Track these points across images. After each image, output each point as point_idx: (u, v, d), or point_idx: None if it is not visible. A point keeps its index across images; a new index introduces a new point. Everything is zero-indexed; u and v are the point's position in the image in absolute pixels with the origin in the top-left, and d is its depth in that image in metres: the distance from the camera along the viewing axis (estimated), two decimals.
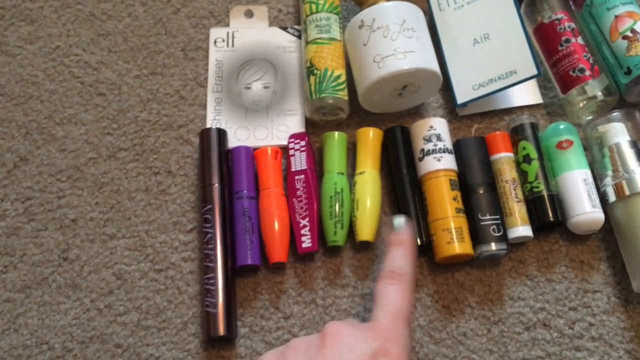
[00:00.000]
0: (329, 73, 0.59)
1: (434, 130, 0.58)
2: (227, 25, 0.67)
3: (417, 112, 0.63)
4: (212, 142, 0.59)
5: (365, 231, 0.56)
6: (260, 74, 0.65)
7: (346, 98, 0.60)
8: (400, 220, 0.51)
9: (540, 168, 0.57)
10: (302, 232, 0.56)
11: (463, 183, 0.57)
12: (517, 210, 0.56)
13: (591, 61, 0.60)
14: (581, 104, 0.61)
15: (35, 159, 0.61)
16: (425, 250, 0.56)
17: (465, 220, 0.55)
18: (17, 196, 0.60)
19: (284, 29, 0.67)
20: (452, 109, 0.63)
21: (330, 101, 0.59)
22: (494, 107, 0.63)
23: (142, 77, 0.65)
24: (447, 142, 0.58)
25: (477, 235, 0.55)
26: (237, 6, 0.68)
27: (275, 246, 0.56)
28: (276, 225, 0.56)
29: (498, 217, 0.55)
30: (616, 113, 0.59)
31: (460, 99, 0.61)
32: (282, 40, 0.66)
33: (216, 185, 0.57)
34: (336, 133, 0.59)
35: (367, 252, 0.57)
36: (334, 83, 0.59)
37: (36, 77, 0.65)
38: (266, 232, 0.56)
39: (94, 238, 0.58)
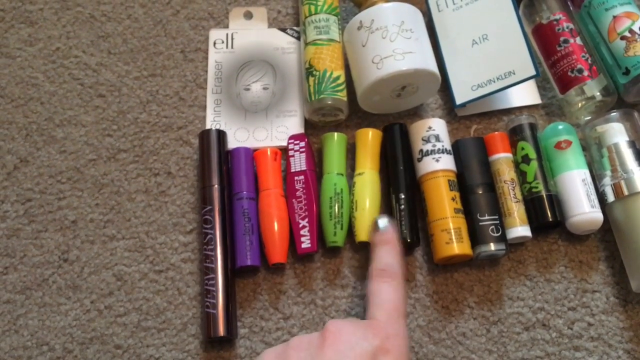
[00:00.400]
0: (328, 74, 0.60)
1: (433, 130, 0.58)
2: (227, 26, 0.68)
3: (416, 113, 0.64)
4: (211, 143, 0.59)
5: (365, 232, 0.56)
6: (260, 75, 0.65)
7: (345, 99, 0.60)
8: (384, 221, 0.52)
9: (539, 168, 0.57)
10: (302, 232, 0.56)
11: (462, 183, 0.57)
12: (516, 210, 0.56)
13: (589, 61, 0.61)
14: (580, 104, 0.61)
15: (36, 161, 0.61)
16: (412, 247, 0.57)
17: (464, 221, 0.56)
18: (18, 198, 0.60)
19: (283, 30, 0.67)
20: (451, 110, 0.64)
21: (330, 102, 0.59)
22: (493, 108, 0.63)
23: (141, 79, 0.65)
24: (446, 143, 0.58)
25: (475, 236, 0.55)
26: (236, 8, 0.68)
27: (274, 247, 0.56)
28: (276, 226, 0.56)
29: (497, 217, 0.55)
30: (614, 113, 0.59)
31: (459, 100, 0.61)
32: (281, 42, 0.66)
33: (216, 186, 0.57)
34: (335, 134, 0.59)
35: (367, 253, 0.57)
36: (333, 84, 0.59)
37: (36, 79, 0.65)
38: (266, 233, 0.56)
39: (94, 239, 0.58)
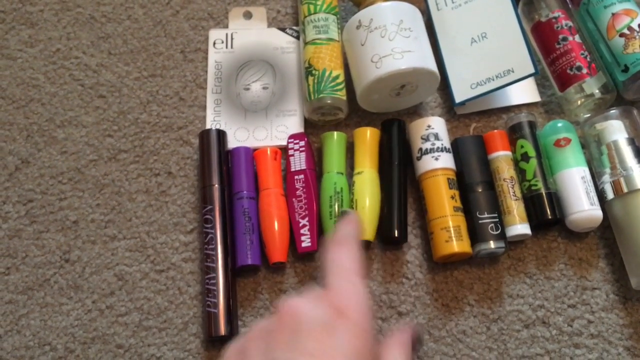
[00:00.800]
0: (327, 73, 0.60)
1: (432, 129, 0.58)
2: (226, 26, 0.68)
3: (416, 111, 0.64)
4: (211, 143, 0.59)
5: (365, 230, 0.56)
6: (259, 74, 0.65)
7: (344, 98, 0.60)
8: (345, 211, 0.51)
9: (538, 166, 0.57)
10: (302, 231, 0.56)
11: (461, 182, 0.57)
12: (515, 208, 0.56)
13: (588, 59, 0.61)
14: (579, 102, 0.61)
15: (37, 162, 0.62)
16: (399, 243, 0.58)
17: (464, 219, 0.56)
18: (19, 198, 0.60)
19: (283, 29, 0.67)
20: (450, 108, 0.64)
21: (329, 101, 0.59)
22: (492, 106, 0.63)
23: (142, 79, 0.65)
24: (445, 141, 0.58)
25: (475, 234, 0.55)
26: (235, 7, 0.68)
27: (275, 246, 0.56)
28: (276, 225, 0.56)
29: (496, 215, 0.56)
30: (614, 110, 0.59)
31: (458, 98, 0.62)
32: (281, 41, 0.66)
33: (216, 185, 0.57)
34: (335, 133, 0.59)
35: (367, 252, 0.58)
36: (333, 83, 0.59)
37: (37, 80, 0.65)
38: (266, 232, 0.56)
39: (95, 239, 0.58)
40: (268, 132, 0.62)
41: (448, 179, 0.56)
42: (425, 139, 0.58)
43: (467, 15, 0.63)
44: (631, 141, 0.57)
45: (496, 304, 0.56)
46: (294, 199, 0.57)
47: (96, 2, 0.69)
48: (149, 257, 0.58)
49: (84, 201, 0.60)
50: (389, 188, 0.57)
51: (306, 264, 0.58)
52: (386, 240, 0.57)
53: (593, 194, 0.56)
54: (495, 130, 0.59)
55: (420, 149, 0.58)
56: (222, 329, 0.53)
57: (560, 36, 0.61)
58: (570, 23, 0.62)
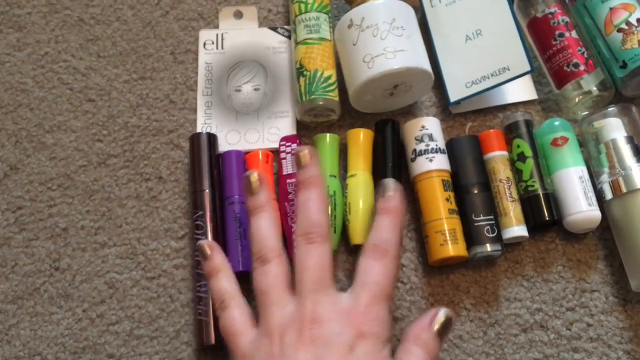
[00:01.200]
0: (319, 74, 0.58)
1: (426, 130, 0.57)
2: (217, 26, 0.67)
3: (410, 112, 0.62)
4: (202, 147, 0.58)
5: (359, 234, 0.55)
6: (251, 75, 0.64)
7: (337, 99, 0.59)
8: (390, 187, 0.49)
9: (535, 166, 0.56)
10: (294, 236, 0.55)
11: (456, 183, 0.56)
12: (512, 209, 0.55)
13: (586, 55, 0.59)
14: (576, 100, 0.59)
15: (26, 168, 0.61)
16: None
17: (459, 222, 0.55)
18: (8, 206, 0.59)
19: (274, 29, 0.66)
20: (445, 107, 0.62)
21: (321, 103, 0.58)
22: (488, 105, 0.62)
23: (131, 82, 0.64)
24: (440, 142, 0.57)
25: (471, 236, 0.54)
26: (226, 7, 0.67)
27: None
28: None
29: (492, 217, 0.54)
30: (612, 108, 0.57)
31: (453, 97, 0.60)
32: (272, 41, 0.65)
33: (207, 190, 0.56)
34: (328, 135, 0.58)
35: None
36: (324, 84, 0.58)
37: (25, 85, 0.64)
38: None
39: (85, 247, 0.58)
40: (260, 134, 0.61)
41: (443, 180, 0.55)
42: (420, 140, 0.57)
43: (462, 11, 0.62)
44: (630, 139, 0.56)
45: (493, 308, 0.55)
46: (286, 203, 0.56)
47: (84, 4, 0.68)
48: (139, 264, 0.57)
49: (73, 208, 0.59)
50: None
51: None
52: None
53: (591, 194, 0.55)
54: (491, 130, 0.58)
55: (415, 150, 0.57)
56: (213, 338, 0.52)
57: (557, 32, 0.60)
58: (567, 19, 0.61)
